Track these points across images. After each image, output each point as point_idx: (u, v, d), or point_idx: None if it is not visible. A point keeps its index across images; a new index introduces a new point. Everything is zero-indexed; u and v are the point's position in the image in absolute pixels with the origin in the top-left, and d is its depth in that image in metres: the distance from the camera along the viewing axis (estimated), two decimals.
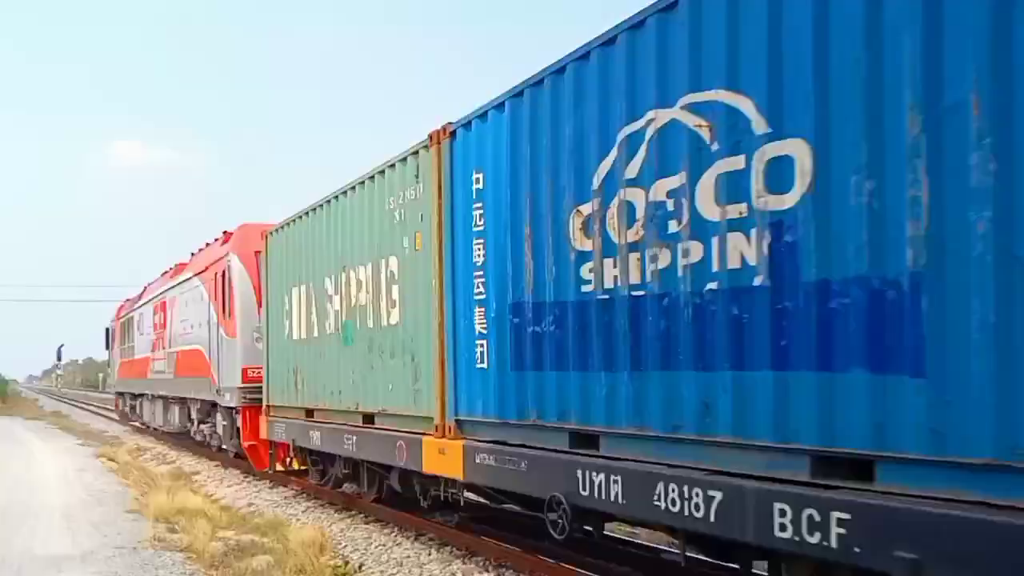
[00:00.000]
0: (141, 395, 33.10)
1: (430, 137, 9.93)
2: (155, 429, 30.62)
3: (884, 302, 4.98)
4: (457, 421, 9.54)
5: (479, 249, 9.07)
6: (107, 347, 44.04)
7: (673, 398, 6.48)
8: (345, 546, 11.53)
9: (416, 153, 10.40)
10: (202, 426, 22.73)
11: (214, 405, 20.98)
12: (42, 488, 17.74)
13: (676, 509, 6.24)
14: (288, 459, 16.58)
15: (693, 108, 6.25)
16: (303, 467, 16.06)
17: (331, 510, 14.21)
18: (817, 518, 5.14)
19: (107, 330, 43.14)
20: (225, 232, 20.67)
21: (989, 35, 4.44)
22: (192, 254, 25.11)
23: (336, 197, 12.95)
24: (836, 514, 5.04)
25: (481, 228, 9.03)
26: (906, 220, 4.84)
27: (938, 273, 4.70)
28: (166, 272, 28.56)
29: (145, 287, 32.64)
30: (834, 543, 5.04)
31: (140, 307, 32.49)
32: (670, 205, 6.43)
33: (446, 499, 10.59)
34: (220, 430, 20.76)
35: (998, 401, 4.44)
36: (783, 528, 5.36)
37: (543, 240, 7.93)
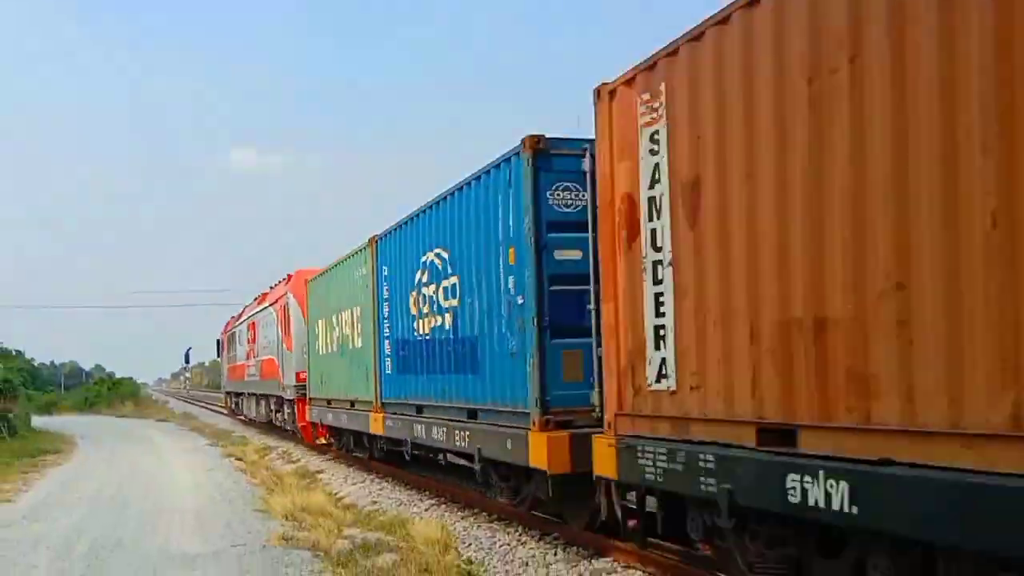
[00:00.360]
0: (240, 394, 41.55)
1: (369, 241, 17.56)
2: (251, 420, 38.58)
3: (473, 345, 12.40)
4: (382, 403, 17.14)
5: (386, 307, 16.69)
6: (218, 355, 55.17)
7: (435, 385, 14.15)
8: (469, 545, 11.55)
9: (362, 251, 18.17)
10: (278, 414, 30.86)
11: (281, 398, 29.55)
12: (174, 488, 18.26)
13: (442, 438, 13.72)
14: (321, 434, 24.75)
15: (436, 254, 13.70)
16: (330, 440, 24.08)
17: (454, 508, 14.27)
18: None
19: (217, 341, 52.32)
20: (288, 275, 28.87)
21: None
22: (271, 287, 32.92)
23: (337, 264, 20.51)
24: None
25: (387, 297, 16.61)
26: (479, 314, 12.25)
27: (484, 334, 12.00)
28: (257, 298, 36.60)
29: (244, 308, 41.12)
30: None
31: (239, 325, 41.35)
32: (431, 296, 14.08)
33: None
34: (286, 416, 29.09)
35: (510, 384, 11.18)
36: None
37: (402, 308, 15.75)
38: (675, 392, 7.79)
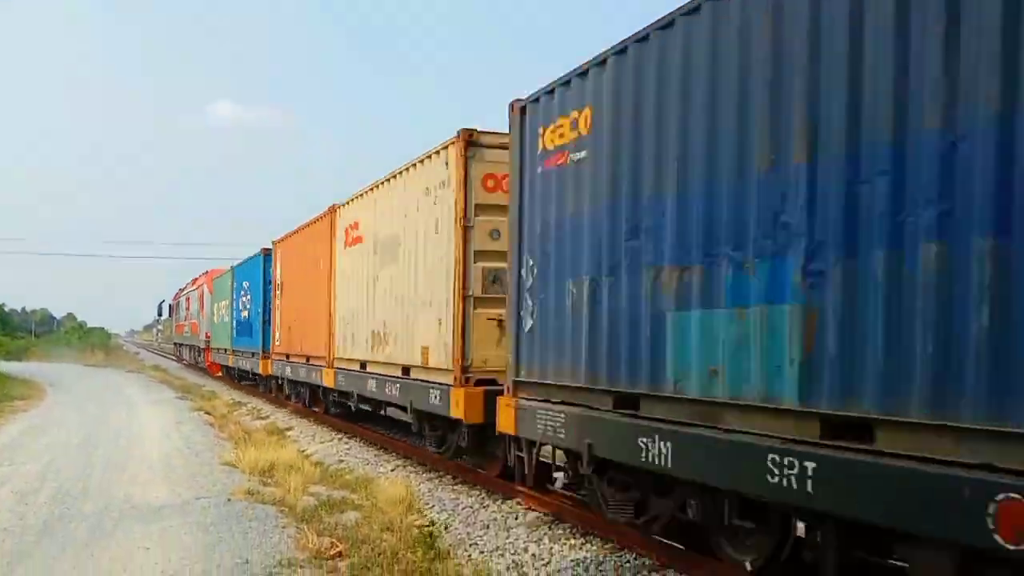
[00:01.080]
0: (181, 344, 59.38)
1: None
2: (187, 361, 55.07)
3: None
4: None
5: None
6: (159, 315, 78.49)
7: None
8: (432, 506, 11.64)
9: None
10: (198, 357, 47.44)
11: (200, 348, 46.38)
12: (141, 439, 18.25)
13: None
14: (216, 369, 40.48)
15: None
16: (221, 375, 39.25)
17: (420, 470, 14.35)
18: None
19: (170, 306, 67.01)
20: (206, 271, 46.88)
21: None
22: (206, 272, 47.40)
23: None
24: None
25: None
26: None
27: None
28: (192, 280, 53.40)
29: (185, 285, 57.00)
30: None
31: (181, 297, 58.42)
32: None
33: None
34: (201, 357, 45.82)
35: None
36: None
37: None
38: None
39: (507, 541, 9.88)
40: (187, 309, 53.25)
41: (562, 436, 9.29)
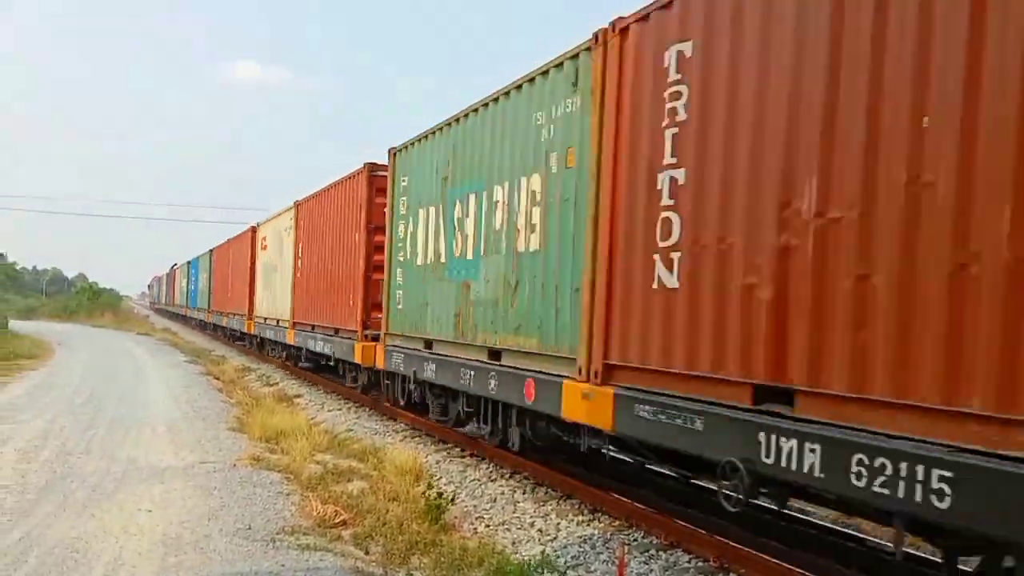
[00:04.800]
0: (173, 313, 73.68)
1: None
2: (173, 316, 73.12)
3: None
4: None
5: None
6: (149, 287, 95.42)
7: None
8: (440, 478, 11.51)
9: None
10: (180, 320, 65.13)
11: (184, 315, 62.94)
12: (148, 401, 18.17)
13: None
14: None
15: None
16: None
17: (428, 441, 14.22)
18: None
19: (163, 278, 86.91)
20: (174, 264, 70.72)
21: None
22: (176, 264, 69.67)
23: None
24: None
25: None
26: None
27: None
28: (173, 266, 73.59)
29: (175, 264, 73.63)
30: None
31: (169, 273, 77.52)
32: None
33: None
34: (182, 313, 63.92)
35: None
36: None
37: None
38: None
39: (513, 515, 9.76)
40: (171, 285, 75.99)
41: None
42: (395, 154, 15.11)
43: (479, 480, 11.38)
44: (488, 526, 9.40)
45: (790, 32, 6.32)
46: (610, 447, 9.22)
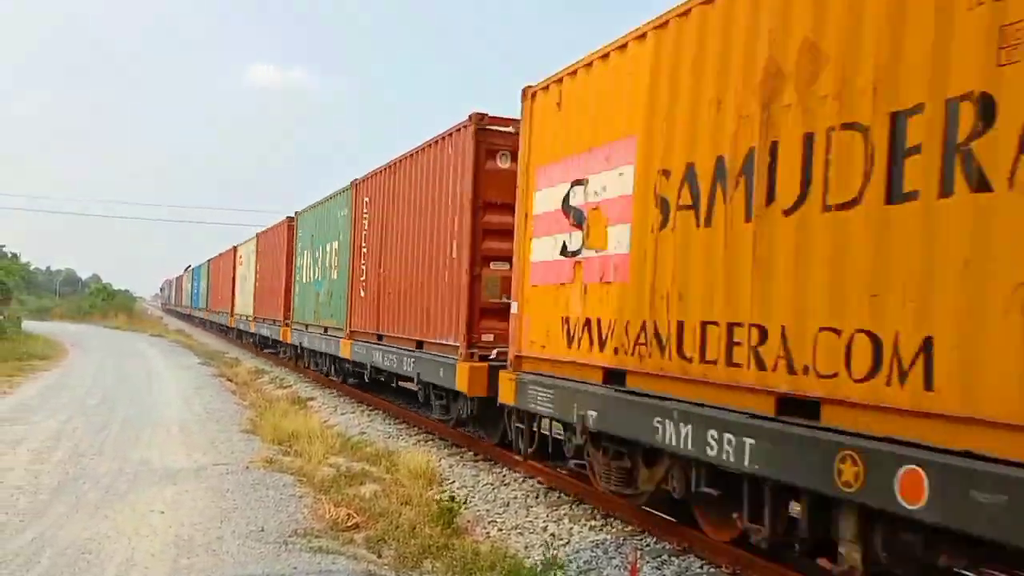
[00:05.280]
0: (181, 313, 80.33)
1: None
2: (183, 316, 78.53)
3: None
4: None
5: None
6: (161, 289, 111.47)
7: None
8: (453, 482, 11.47)
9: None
10: (188, 321, 69.84)
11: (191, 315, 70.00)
12: (161, 402, 18.20)
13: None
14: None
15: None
16: None
17: (441, 445, 14.19)
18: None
19: (172, 283, 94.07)
20: (187, 266, 76.10)
21: None
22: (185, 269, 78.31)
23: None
24: None
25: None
26: None
27: None
28: (185, 270, 78.78)
29: (183, 271, 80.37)
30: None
31: (176, 279, 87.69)
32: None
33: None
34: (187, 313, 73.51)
35: None
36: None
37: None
38: None
39: (526, 520, 9.72)
40: (179, 289, 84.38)
41: None
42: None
43: (492, 484, 11.35)
44: (500, 530, 9.36)
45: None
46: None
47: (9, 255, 58.47)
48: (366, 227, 18.00)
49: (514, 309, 10.68)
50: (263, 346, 33.63)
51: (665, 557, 8.33)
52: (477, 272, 12.57)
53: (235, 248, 40.67)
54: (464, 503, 9.79)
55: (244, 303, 36.57)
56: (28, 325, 44.27)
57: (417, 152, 15.10)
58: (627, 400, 8.21)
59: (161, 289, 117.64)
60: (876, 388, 5.52)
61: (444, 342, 13.25)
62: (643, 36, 8.27)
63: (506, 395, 10.78)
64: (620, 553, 8.47)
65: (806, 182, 6.16)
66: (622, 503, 9.55)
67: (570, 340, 9.28)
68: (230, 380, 24.15)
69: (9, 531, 8.08)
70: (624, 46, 8.57)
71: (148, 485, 10.19)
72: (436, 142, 14.16)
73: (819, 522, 6.51)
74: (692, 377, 7.32)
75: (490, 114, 12.60)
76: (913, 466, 5.22)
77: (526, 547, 8.72)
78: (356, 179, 19.08)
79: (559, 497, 10.57)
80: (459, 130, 13.13)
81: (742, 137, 6.86)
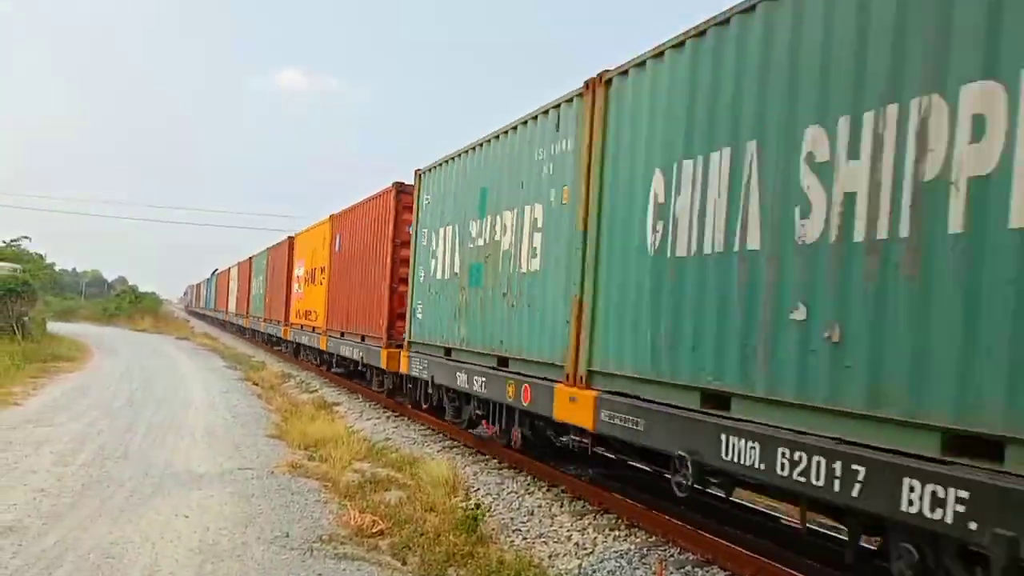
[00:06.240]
0: (204, 315, 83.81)
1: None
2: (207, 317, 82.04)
3: None
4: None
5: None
6: (185, 292, 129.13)
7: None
8: (477, 489, 11.42)
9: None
10: (216, 325, 68.94)
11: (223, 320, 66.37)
12: (186, 406, 18.22)
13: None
14: None
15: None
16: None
17: (465, 452, 14.13)
18: None
19: (197, 286, 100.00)
20: (214, 269, 79.05)
21: None
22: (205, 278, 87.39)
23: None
24: None
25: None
26: None
27: None
28: (206, 277, 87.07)
29: (201, 280, 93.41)
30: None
31: (199, 285, 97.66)
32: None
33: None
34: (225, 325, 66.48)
35: None
36: None
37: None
38: None
39: (551, 528, 9.65)
40: (197, 295, 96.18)
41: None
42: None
43: (516, 492, 11.28)
44: (525, 539, 9.30)
45: None
46: None
47: (35, 255, 58.47)
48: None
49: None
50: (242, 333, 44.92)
51: (689, 568, 8.24)
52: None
53: (230, 268, 53.32)
54: (488, 511, 9.75)
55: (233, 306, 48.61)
56: (53, 327, 44.50)
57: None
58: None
59: (185, 292, 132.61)
60: None
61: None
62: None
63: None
64: (644, 563, 8.38)
65: None
66: (646, 512, 9.57)
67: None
68: (256, 384, 24.17)
69: (32, 534, 8.06)
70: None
71: (173, 489, 10.19)
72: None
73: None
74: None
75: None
76: None
77: (551, 556, 8.66)
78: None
79: (584, 506, 10.49)
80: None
81: None
